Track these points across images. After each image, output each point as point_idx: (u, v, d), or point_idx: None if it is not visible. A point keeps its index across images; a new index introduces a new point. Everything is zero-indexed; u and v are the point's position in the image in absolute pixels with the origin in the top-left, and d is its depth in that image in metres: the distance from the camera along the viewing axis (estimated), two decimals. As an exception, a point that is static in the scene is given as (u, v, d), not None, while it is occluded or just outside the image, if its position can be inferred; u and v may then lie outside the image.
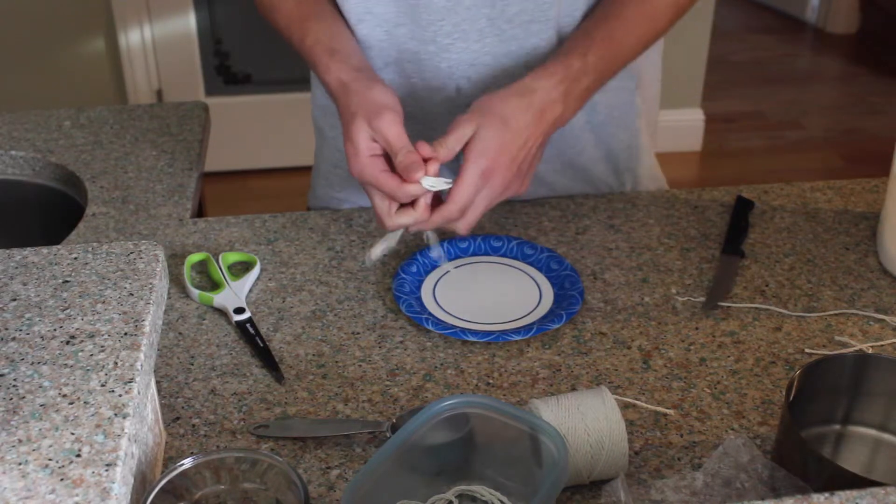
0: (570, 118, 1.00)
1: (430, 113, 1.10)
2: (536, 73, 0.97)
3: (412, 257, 1.06)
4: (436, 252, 1.06)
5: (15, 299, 0.75)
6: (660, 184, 1.28)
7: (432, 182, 0.91)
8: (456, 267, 1.07)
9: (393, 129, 0.92)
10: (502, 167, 0.93)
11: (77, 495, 0.59)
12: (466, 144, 0.93)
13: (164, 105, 1.42)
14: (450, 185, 0.92)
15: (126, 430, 0.63)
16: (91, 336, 0.71)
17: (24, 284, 0.77)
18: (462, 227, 0.95)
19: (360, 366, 0.93)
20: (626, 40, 1.03)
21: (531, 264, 1.07)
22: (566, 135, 1.14)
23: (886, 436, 0.83)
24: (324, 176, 1.24)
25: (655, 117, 1.27)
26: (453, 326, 0.96)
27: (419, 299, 1.01)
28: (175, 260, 1.07)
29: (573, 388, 0.90)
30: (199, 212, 1.32)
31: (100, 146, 1.31)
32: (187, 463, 0.71)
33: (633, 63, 1.07)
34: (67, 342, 0.71)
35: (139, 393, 0.67)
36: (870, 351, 0.94)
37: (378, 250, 0.99)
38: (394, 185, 0.91)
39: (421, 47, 1.06)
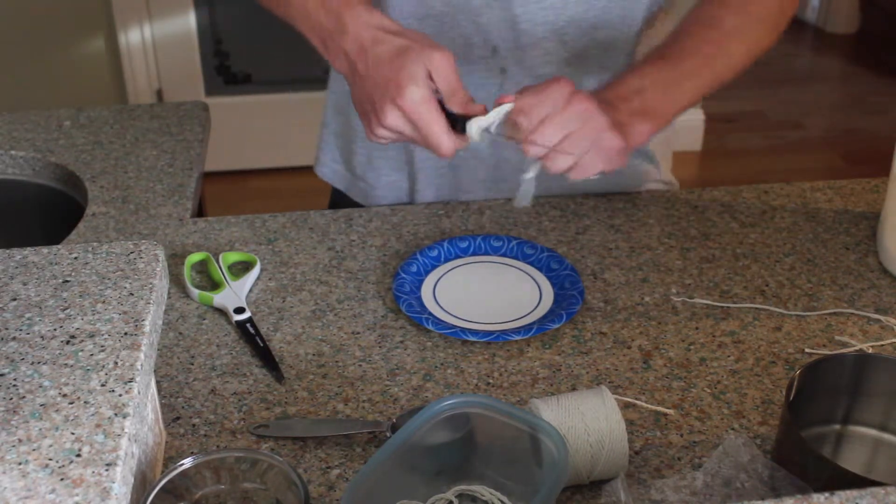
0: (640, 136, 0.92)
1: (467, 74, 1.09)
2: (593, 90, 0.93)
3: (412, 257, 1.06)
4: (523, 198, 0.94)
5: (15, 299, 0.75)
6: (674, 186, 1.28)
7: (485, 120, 0.86)
8: (456, 267, 1.07)
9: (451, 65, 0.86)
10: (584, 94, 0.86)
11: (77, 495, 0.59)
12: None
13: (164, 105, 1.42)
14: (506, 109, 0.86)
15: (126, 430, 0.63)
16: (91, 336, 0.71)
17: (24, 284, 0.77)
18: (538, 137, 0.85)
19: (360, 366, 0.93)
20: (693, 57, 0.98)
21: (531, 264, 1.07)
22: None
23: (886, 436, 0.83)
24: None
25: None
26: (453, 326, 0.96)
27: (419, 299, 1.01)
28: (175, 260, 1.07)
29: (573, 388, 0.90)
30: (199, 212, 1.32)
31: (100, 146, 1.31)
32: (187, 463, 0.71)
33: None
34: (67, 342, 0.71)
35: (139, 393, 0.67)
36: (870, 351, 0.94)
37: (524, 194, 0.92)
38: (442, 128, 0.86)
39: (457, 6, 1.03)
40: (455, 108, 0.87)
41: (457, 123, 0.88)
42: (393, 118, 0.86)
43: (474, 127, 0.87)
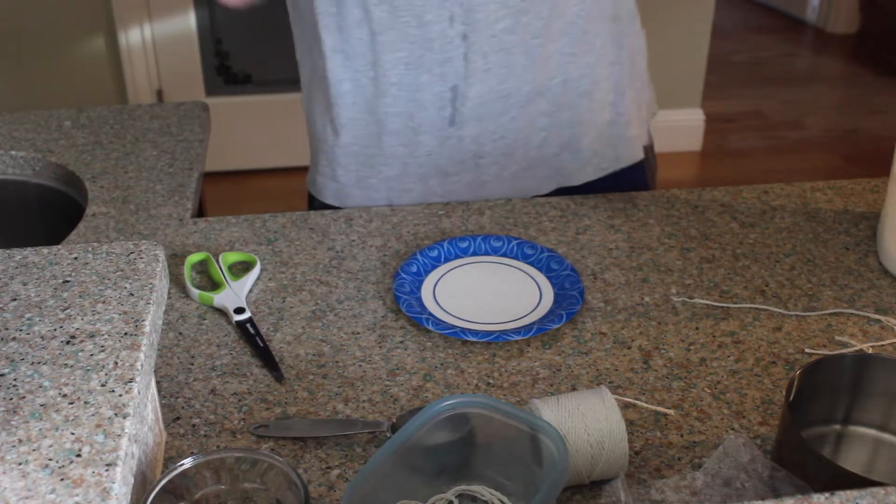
0: None
1: (430, 52, 1.09)
2: None
3: (412, 257, 1.06)
4: None
5: (15, 299, 0.75)
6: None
7: None
8: (456, 267, 1.07)
9: None
10: None
11: (77, 495, 0.59)
12: None
13: (165, 105, 1.42)
14: None
15: (126, 430, 0.63)
16: (91, 336, 0.71)
17: (25, 284, 0.77)
18: None
19: (360, 366, 0.93)
20: None
21: (531, 264, 1.07)
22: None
23: (886, 436, 0.83)
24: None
25: (644, 89, 1.26)
26: (453, 326, 0.96)
27: (419, 299, 1.01)
28: (175, 260, 1.07)
29: (573, 388, 0.90)
30: (199, 212, 1.32)
31: (100, 146, 1.31)
32: (187, 463, 0.71)
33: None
34: (67, 342, 0.71)
35: (139, 393, 0.67)
36: (870, 351, 0.94)
37: None
38: None
39: None
40: None
41: None
42: None
43: None
